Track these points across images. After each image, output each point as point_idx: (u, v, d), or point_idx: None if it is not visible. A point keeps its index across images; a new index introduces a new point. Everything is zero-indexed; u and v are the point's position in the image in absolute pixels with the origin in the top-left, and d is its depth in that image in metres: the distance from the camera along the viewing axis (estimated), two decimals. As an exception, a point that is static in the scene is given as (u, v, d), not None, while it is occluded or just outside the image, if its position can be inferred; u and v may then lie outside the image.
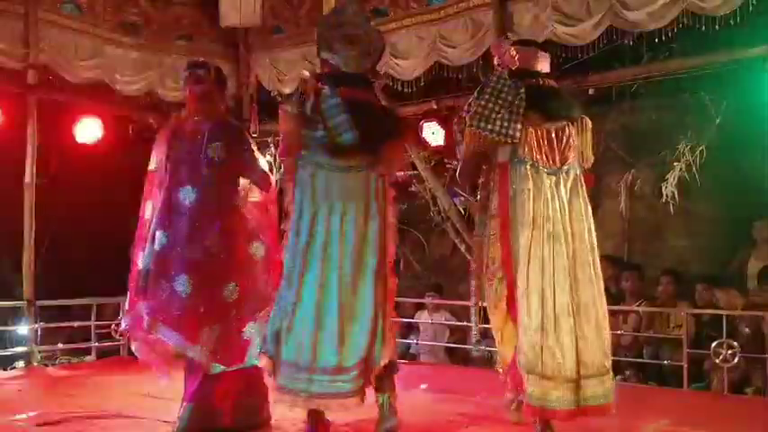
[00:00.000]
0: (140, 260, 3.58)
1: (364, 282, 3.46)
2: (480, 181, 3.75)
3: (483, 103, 3.51)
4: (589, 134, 3.69)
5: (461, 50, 6.25)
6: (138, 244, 3.66)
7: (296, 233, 3.48)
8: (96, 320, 6.47)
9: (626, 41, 5.68)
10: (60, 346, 6.55)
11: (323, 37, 3.67)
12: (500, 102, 3.49)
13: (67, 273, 7.01)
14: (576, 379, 3.40)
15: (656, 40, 5.53)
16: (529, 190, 3.47)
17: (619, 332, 5.91)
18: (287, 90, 7.51)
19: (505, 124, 3.47)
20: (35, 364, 6.12)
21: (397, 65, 6.50)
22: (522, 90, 3.51)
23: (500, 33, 6.01)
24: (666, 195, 6.25)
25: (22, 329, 6.17)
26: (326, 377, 3.36)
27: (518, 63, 3.60)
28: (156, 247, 3.49)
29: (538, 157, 3.51)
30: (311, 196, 3.50)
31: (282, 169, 3.81)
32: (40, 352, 6.22)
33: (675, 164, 6.21)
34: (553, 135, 3.56)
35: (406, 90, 6.49)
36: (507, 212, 3.50)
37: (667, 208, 6.26)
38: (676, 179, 6.22)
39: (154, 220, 3.55)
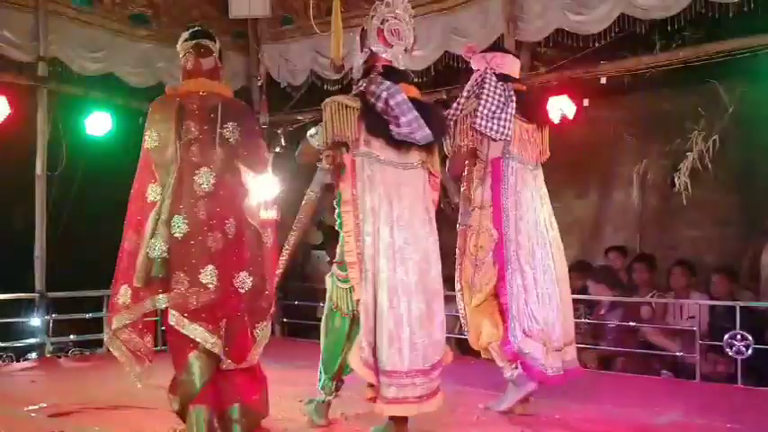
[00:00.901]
0: (151, 247, 3.19)
1: (438, 279, 3.54)
2: (463, 174, 4.08)
3: (484, 103, 3.89)
4: (547, 133, 4.18)
5: (471, 40, 6.19)
6: (137, 229, 3.23)
7: (368, 233, 3.39)
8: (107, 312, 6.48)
9: (638, 29, 5.62)
10: (72, 337, 6.58)
11: (376, 29, 3.59)
12: (496, 103, 3.91)
13: (79, 265, 7.02)
14: (562, 347, 3.93)
15: (669, 27, 5.49)
16: (518, 183, 3.93)
17: (632, 324, 5.90)
18: (297, 82, 7.52)
19: (503, 123, 3.89)
20: (47, 355, 6.16)
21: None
22: (512, 93, 3.96)
23: (510, 23, 5.99)
24: (679, 185, 6.19)
25: (35, 321, 6.18)
26: (423, 378, 3.39)
27: (501, 68, 4.04)
28: (176, 234, 3.17)
29: (523, 153, 4.00)
30: (380, 194, 3.42)
31: (325, 164, 3.58)
32: (52, 343, 6.26)
33: (688, 153, 6.15)
34: (529, 134, 4.06)
35: (415, 80, 6.44)
36: (500, 203, 3.89)
37: (680, 198, 6.20)
38: (689, 169, 6.16)
39: (167, 203, 3.20)
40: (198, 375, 3.21)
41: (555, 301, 3.94)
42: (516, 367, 3.91)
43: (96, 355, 6.43)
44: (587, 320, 6.18)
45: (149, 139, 3.28)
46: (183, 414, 3.28)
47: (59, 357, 6.23)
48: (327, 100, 3.51)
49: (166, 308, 3.21)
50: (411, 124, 3.40)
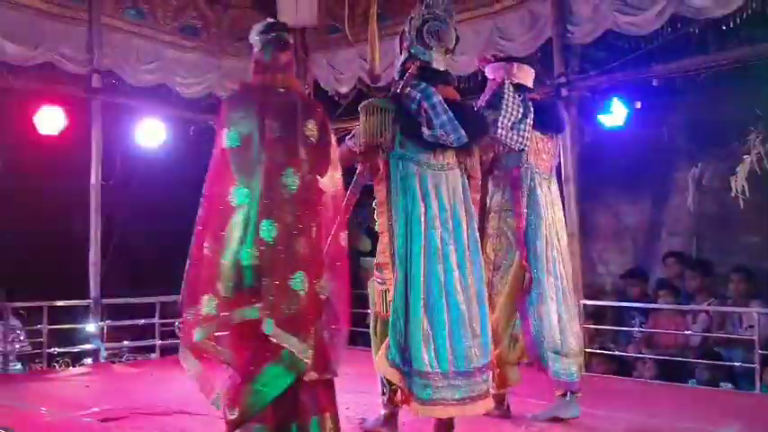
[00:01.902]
0: (241, 254, 2.99)
1: (480, 281, 3.52)
2: (479, 183, 4.04)
3: (504, 113, 3.96)
4: (560, 142, 4.36)
5: (519, 43, 6.15)
6: (217, 235, 3.02)
7: (406, 235, 3.37)
8: (160, 319, 6.62)
9: (691, 29, 5.46)
10: (126, 343, 6.71)
11: (415, 30, 3.58)
12: (515, 113, 3.98)
13: (133, 272, 7.18)
14: (580, 352, 4.11)
15: (723, 27, 5.31)
16: (536, 191, 4.03)
17: (687, 332, 5.73)
18: (344, 89, 7.55)
19: (522, 134, 3.99)
20: (102, 360, 6.29)
21: (454, 60, 6.38)
22: (530, 103, 4.04)
23: (559, 25, 5.89)
24: (736, 189, 5.99)
25: (90, 327, 6.32)
26: (465, 380, 3.34)
27: (517, 79, 4.13)
28: (267, 238, 2.97)
29: (538, 163, 4.11)
30: (413, 195, 3.41)
31: (360, 167, 3.62)
32: (106, 349, 6.39)
33: (745, 156, 5.94)
34: (544, 144, 4.15)
35: (462, 85, 6.39)
36: (520, 210, 4.00)
37: (737, 202, 5.99)
38: (747, 172, 5.94)
39: (255, 206, 3.00)
40: (272, 388, 2.98)
41: (571, 306, 4.11)
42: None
43: (149, 361, 6.56)
44: (642, 329, 6.05)
45: (229, 139, 3.05)
46: (237, 425, 3.00)
47: (113, 363, 6.36)
48: (364, 102, 3.52)
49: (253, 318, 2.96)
50: (444, 126, 3.38)
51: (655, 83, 5.80)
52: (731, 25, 5.23)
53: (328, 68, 7.64)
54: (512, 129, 3.97)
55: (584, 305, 5.79)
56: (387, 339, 3.37)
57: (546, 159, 4.16)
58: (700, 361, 5.48)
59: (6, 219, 6.79)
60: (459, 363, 3.32)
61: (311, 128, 3.12)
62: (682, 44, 5.71)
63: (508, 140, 3.97)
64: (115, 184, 6.82)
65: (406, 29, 3.61)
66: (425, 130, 3.39)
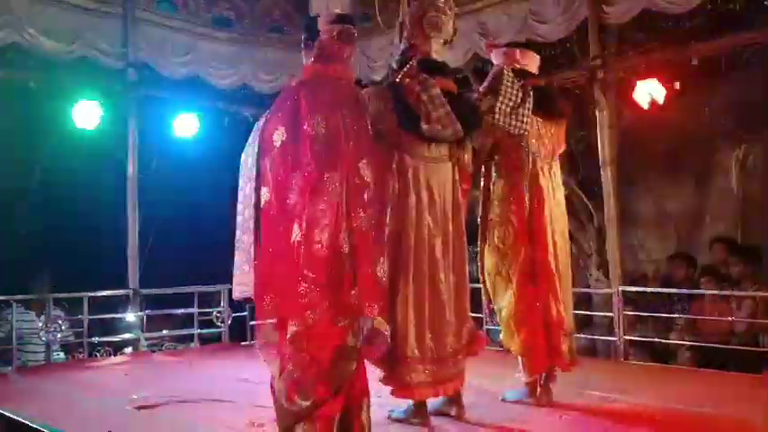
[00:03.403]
0: (343, 243, 3.00)
1: (462, 269, 3.61)
2: (483, 168, 4.16)
3: (502, 99, 3.94)
4: (564, 127, 4.27)
5: (554, 25, 6.02)
6: (317, 223, 2.97)
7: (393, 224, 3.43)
8: (198, 308, 6.69)
9: (733, 6, 5.28)
10: (165, 332, 6.79)
11: (417, 21, 3.64)
12: (514, 98, 3.96)
13: (171, 262, 7.26)
14: (571, 333, 4.11)
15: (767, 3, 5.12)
16: (539, 175, 4.02)
17: (731, 318, 5.57)
18: (377, 77, 7.50)
19: (521, 118, 3.96)
20: (142, 349, 6.39)
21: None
22: (530, 88, 4.02)
23: (594, 5, 5.75)
24: (782, 171, 5.80)
25: (130, 317, 6.42)
26: (439, 365, 3.47)
27: (519, 64, 4.11)
28: (363, 227, 3.03)
29: (540, 148, 4.09)
30: (410, 187, 3.49)
31: None
32: (146, 339, 6.49)
33: (792, 137, 5.75)
34: (546, 129, 4.13)
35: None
36: (522, 195, 3.98)
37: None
38: (793, 153, 5.75)
39: (345, 195, 3.02)
40: (345, 370, 2.98)
41: (564, 290, 4.09)
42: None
43: (188, 350, 6.64)
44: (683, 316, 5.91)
45: (317, 125, 3.02)
46: (306, 415, 2.92)
47: (153, 352, 6.46)
48: (362, 92, 3.50)
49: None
50: (442, 120, 3.43)
51: (695, 62, 5.61)
52: (775, 0, 5.06)
53: (361, 57, 7.59)
54: (510, 114, 3.97)
55: (624, 291, 5.67)
56: None
57: (547, 144, 4.15)
58: (740, 347, 5.31)
59: (47, 211, 6.94)
60: (435, 349, 3.45)
61: (369, 120, 3.23)
62: (723, 22, 5.52)
63: (506, 125, 3.98)
64: (152, 175, 6.89)
65: (406, 19, 3.67)
66: (423, 125, 3.43)
